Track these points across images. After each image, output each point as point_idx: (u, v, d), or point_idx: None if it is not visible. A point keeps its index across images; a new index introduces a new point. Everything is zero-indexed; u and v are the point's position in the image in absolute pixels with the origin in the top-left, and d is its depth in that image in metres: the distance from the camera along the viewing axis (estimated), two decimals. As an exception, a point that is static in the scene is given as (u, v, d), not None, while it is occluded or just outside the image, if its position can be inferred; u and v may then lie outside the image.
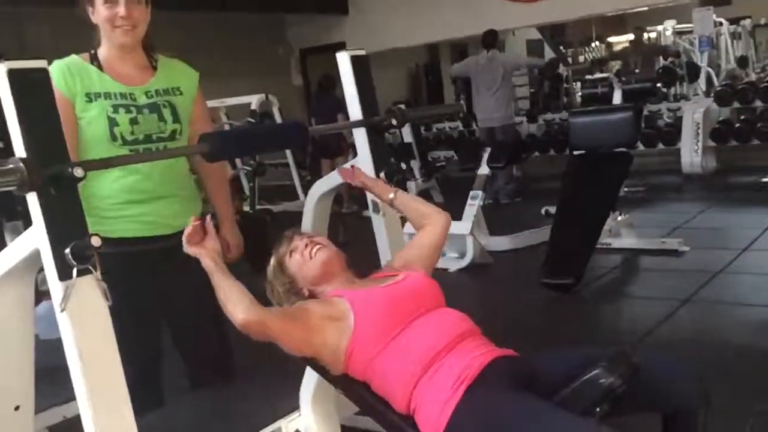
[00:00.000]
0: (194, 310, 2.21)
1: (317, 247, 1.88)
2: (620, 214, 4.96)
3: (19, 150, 1.45)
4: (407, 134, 7.93)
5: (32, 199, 1.46)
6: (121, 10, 1.99)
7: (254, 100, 6.73)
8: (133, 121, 2.03)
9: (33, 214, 1.47)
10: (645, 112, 6.76)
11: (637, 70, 9.99)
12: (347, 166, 2.25)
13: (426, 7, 9.58)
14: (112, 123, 2.01)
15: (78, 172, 1.44)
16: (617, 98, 5.30)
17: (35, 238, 1.47)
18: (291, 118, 8.14)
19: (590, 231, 4.24)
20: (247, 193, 6.48)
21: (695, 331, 3.55)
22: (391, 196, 2.00)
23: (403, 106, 7.36)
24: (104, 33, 2.06)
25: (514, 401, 1.52)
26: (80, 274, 1.43)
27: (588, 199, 4.23)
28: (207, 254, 1.74)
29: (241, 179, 6.67)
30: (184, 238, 1.77)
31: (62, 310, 1.44)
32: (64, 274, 1.43)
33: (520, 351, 1.76)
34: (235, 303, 1.66)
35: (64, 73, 2.01)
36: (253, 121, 6.53)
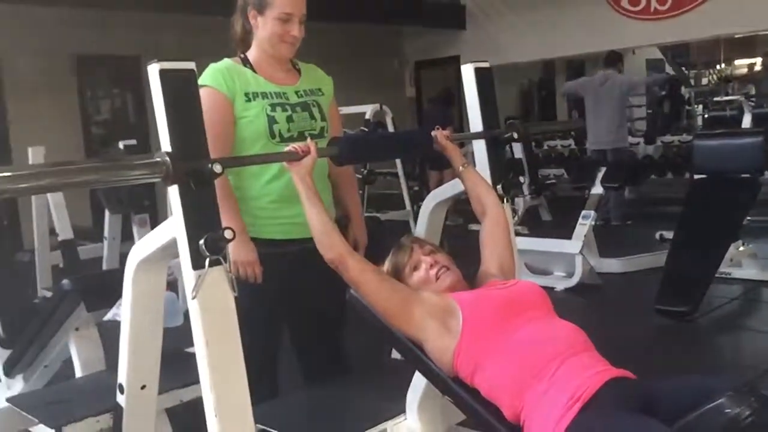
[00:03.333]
0: (320, 313, 2.29)
1: (443, 270, 1.89)
2: (743, 244, 4.71)
3: (165, 145, 1.55)
4: (518, 150, 7.85)
5: (173, 192, 1.55)
6: (295, 30, 2.15)
7: (369, 110, 6.83)
8: (290, 119, 2.15)
9: (173, 205, 1.56)
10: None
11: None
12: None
13: (543, 24, 9.44)
14: (272, 121, 2.12)
15: (217, 168, 1.53)
16: (746, 122, 5.04)
17: (173, 228, 1.56)
18: (403, 128, 8.23)
19: (710, 258, 4.05)
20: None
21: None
22: (461, 168, 2.08)
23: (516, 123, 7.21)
24: (266, 43, 2.17)
25: (631, 425, 1.48)
26: (212, 264, 1.51)
27: (710, 225, 4.04)
28: (297, 171, 1.79)
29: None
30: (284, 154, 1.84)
31: (193, 298, 1.52)
32: (197, 264, 1.51)
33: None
34: (321, 237, 1.78)
35: (224, 74, 2.13)
36: (366, 129, 6.63)
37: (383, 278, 1.81)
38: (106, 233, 4.90)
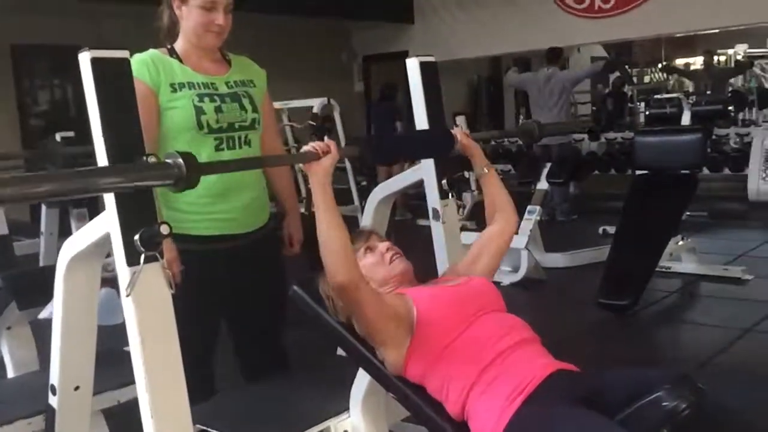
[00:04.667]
0: (258, 310, 2.24)
1: (398, 256, 1.90)
2: (682, 238, 4.83)
3: (98, 137, 1.49)
4: (466, 146, 7.90)
5: (106, 185, 1.49)
6: (220, 18, 2.09)
7: (317, 104, 6.78)
8: (218, 110, 2.09)
9: (106, 199, 1.51)
10: (712, 136, 6.57)
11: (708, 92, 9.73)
12: (411, 170, 2.25)
13: (492, 20, 9.53)
14: (199, 111, 2.07)
15: (152, 159, 1.48)
16: (686, 119, 5.16)
17: (107, 223, 1.50)
18: (351, 123, 8.21)
19: (651, 253, 4.13)
20: (303, 194, 6.53)
21: (756, 363, 3.42)
22: (485, 170, 2.04)
23: (463, 117, 7.29)
24: (191, 33, 2.12)
25: (572, 417, 1.49)
26: (147, 260, 1.46)
27: (650, 221, 4.13)
28: (315, 173, 1.67)
29: (297, 181, 6.74)
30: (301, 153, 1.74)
31: (128, 295, 1.47)
32: (131, 260, 1.46)
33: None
34: (337, 258, 1.63)
35: (148, 64, 2.06)
36: (314, 123, 6.58)
37: (382, 301, 1.73)
38: (42, 228, 4.74)
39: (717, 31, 9.64)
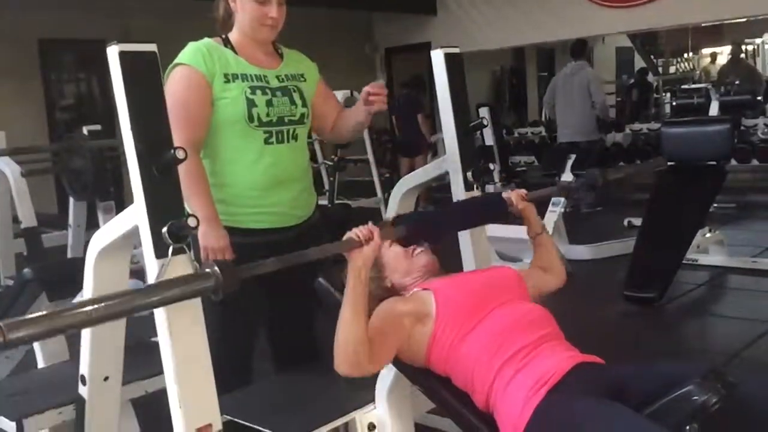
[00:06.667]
0: (296, 302, 2.24)
1: (421, 248, 1.89)
2: (710, 230, 4.77)
3: (126, 130, 1.50)
4: (489, 137, 7.86)
5: (135, 177, 1.51)
6: (273, 11, 2.09)
7: (339, 96, 6.78)
8: (269, 103, 2.09)
9: (135, 192, 1.52)
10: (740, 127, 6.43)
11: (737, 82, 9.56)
12: (436, 162, 2.23)
13: (515, 11, 9.43)
14: (251, 104, 2.06)
15: (179, 154, 1.49)
16: (714, 110, 5.08)
17: (135, 215, 1.52)
18: (374, 116, 8.17)
19: (678, 245, 4.09)
20: (326, 187, 6.54)
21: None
22: (539, 231, 2.01)
23: (487, 109, 7.21)
24: (246, 26, 2.12)
25: (598, 408, 1.47)
26: (175, 252, 1.47)
27: (677, 212, 4.08)
28: (354, 260, 1.61)
29: (321, 173, 6.75)
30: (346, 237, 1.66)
31: (156, 287, 1.48)
32: (160, 252, 1.47)
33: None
34: (345, 353, 1.61)
35: (203, 53, 2.06)
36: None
37: (382, 345, 1.68)
38: (70, 221, 4.80)
39: (744, 20, 9.48)
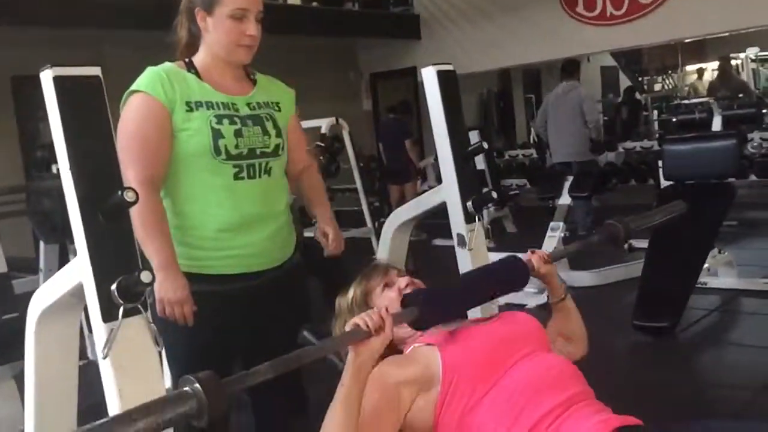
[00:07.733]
0: (279, 354, 1.97)
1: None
2: (719, 251, 4.54)
3: (64, 167, 1.26)
4: (479, 161, 7.66)
5: (77, 226, 1.26)
6: (251, 28, 1.85)
7: (324, 124, 6.56)
8: (238, 133, 1.83)
9: (77, 243, 1.27)
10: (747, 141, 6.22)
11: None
12: (432, 192, 2.00)
13: (499, 33, 9.32)
14: (217, 135, 1.81)
15: (129, 196, 1.24)
16: (717, 124, 4.89)
17: (79, 271, 1.27)
18: (361, 142, 8.01)
19: (688, 270, 3.85)
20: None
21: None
22: (562, 296, 1.81)
23: (477, 132, 6.97)
24: (219, 46, 1.87)
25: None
26: (127, 314, 1.23)
27: (686, 235, 3.84)
28: (359, 353, 1.36)
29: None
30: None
31: (105, 357, 1.23)
32: (108, 315, 1.23)
33: (617, 408, 1.48)
34: None
35: (162, 79, 1.81)
36: (322, 145, 6.36)
37: (379, 426, 1.43)
38: (41, 265, 4.53)
39: (727, 34, 9.39)
